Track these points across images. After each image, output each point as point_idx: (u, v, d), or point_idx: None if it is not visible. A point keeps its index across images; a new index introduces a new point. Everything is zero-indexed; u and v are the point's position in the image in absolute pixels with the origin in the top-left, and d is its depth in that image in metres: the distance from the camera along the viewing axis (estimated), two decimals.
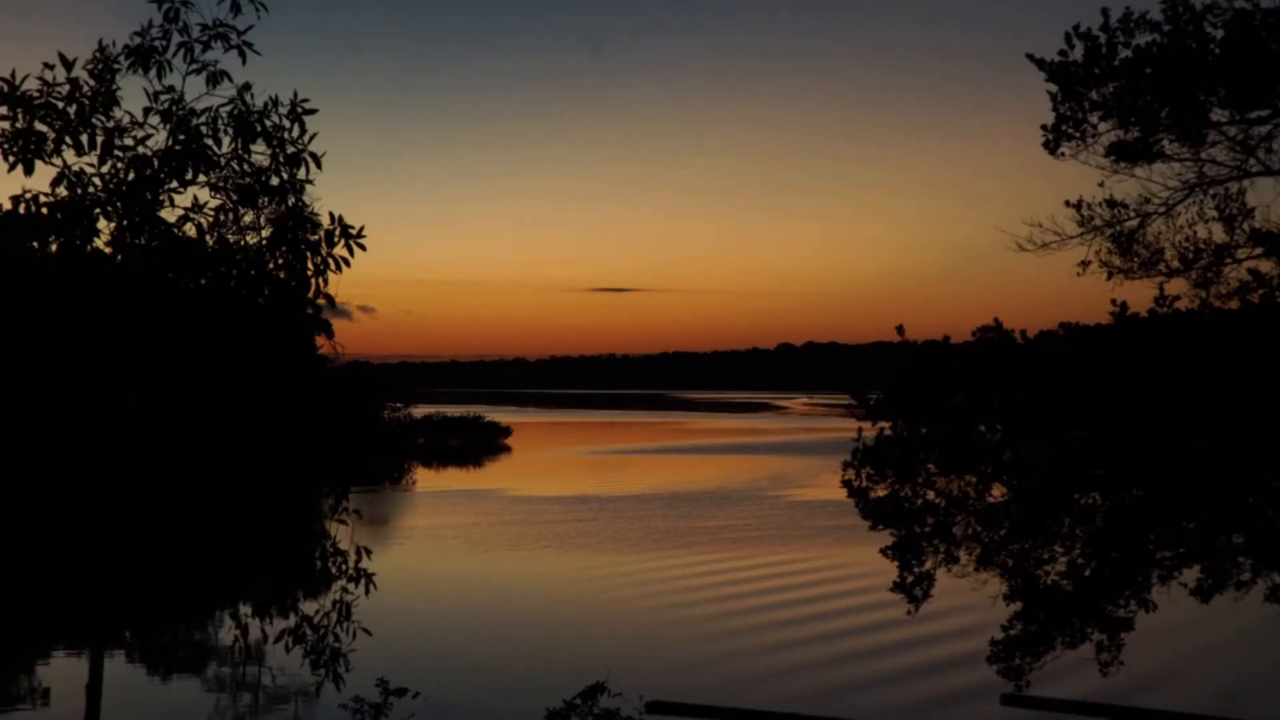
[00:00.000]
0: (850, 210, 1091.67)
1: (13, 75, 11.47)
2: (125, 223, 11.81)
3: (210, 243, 12.03)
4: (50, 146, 11.60)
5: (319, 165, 12.14)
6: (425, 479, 69.24)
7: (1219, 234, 17.78)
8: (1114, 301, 17.14)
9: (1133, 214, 17.99)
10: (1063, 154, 17.82)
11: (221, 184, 12.09)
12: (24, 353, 11.61)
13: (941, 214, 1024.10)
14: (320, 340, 13.04)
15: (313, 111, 12.07)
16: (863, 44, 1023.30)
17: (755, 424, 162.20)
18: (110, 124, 11.80)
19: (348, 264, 12.01)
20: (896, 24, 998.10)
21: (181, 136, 11.89)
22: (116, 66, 11.82)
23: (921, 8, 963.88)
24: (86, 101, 11.67)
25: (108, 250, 11.87)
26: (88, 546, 12.43)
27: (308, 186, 12.12)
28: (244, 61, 12.09)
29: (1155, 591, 16.87)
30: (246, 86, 12.00)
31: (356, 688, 13.43)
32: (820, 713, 19.77)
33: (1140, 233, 18.02)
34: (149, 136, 11.91)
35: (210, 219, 12.09)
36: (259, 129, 11.99)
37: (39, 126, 11.57)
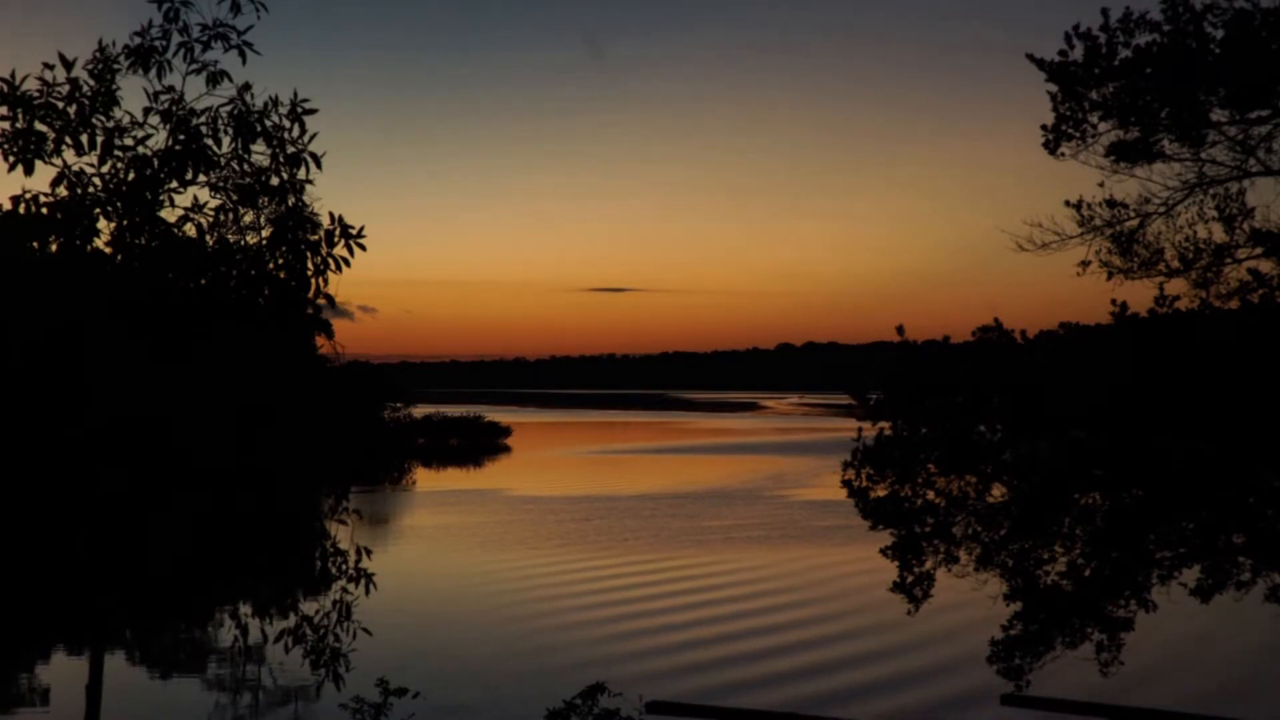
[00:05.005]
0: (850, 210, 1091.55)
1: (13, 75, 11.48)
2: (125, 223, 11.81)
3: (210, 243, 12.02)
4: (50, 146, 11.59)
5: (319, 165, 12.14)
6: (425, 479, 69.24)
7: (1219, 234, 17.82)
8: (1114, 301, 17.17)
9: (1133, 214, 18.02)
10: (1063, 154, 17.84)
11: (221, 184, 12.09)
12: (24, 353, 11.61)
13: (941, 214, 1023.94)
14: (320, 340, 13.05)
15: (313, 111, 12.07)
16: (864, 43, 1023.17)
17: (756, 424, 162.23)
18: (110, 124, 11.79)
19: (348, 264, 12.01)
20: (899, 23, 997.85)
21: (181, 136, 11.88)
22: (116, 66, 11.81)
23: (926, 6, 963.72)
24: (86, 101, 11.67)
25: (108, 250, 11.86)
26: (88, 546, 12.42)
27: (308, 186, 12.12)
28: (244, 61, 12.09)
29: (1155, 591, 16.88)
30: (246, 86, 12.00)
31: (356, 688, 13.44)
32: (820, 713, 19.77)
33: (1140, 233, 18.04)
34: (149, 136, 11.90)
35: (210, 219, 12.08)
36: (259, 129, 11.98)
37: (39, 126, 11.56)
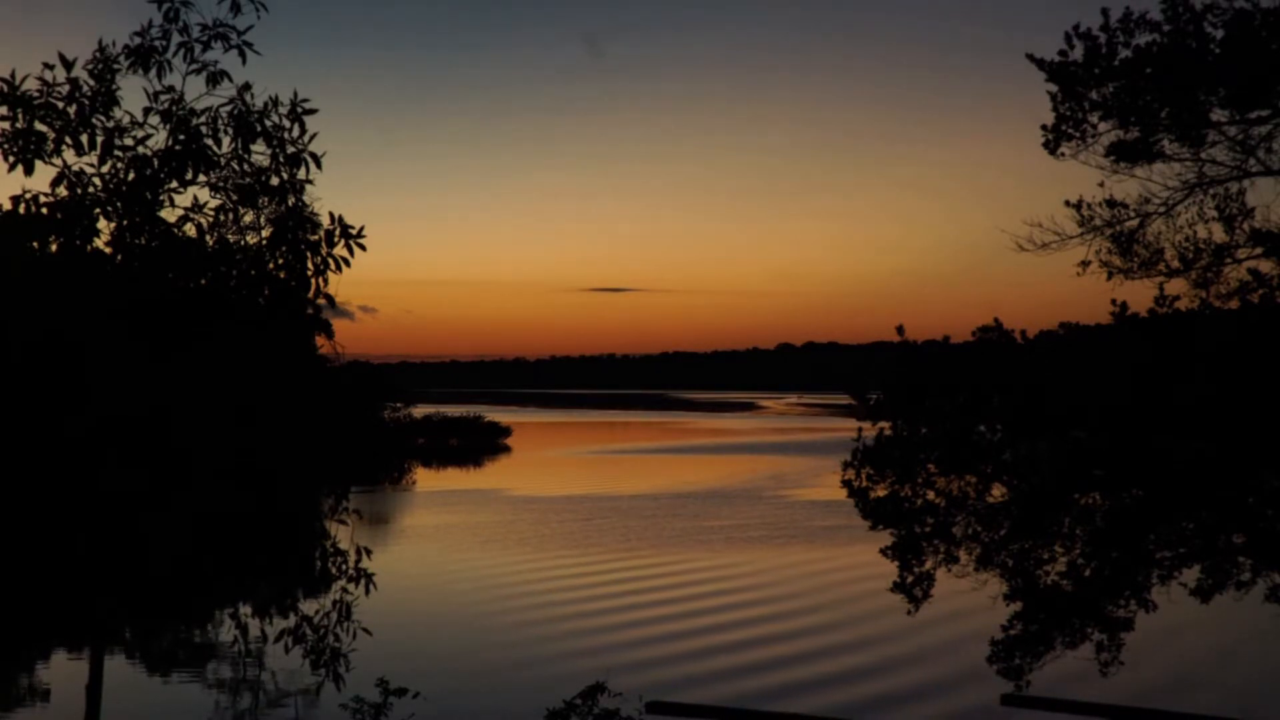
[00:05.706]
0: (850, 210, 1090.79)
1: (13, 75, 11.47)
2: (125, 223, 11.80)
3: (210, 243, 12.02)
4: (50, 146, 11.58)
5: (319, 165, 12.13)
6: (425, 479, 69.23)
7: (1219, 234, 17.79)
8: (1114, 301, 17.14)
9: (1133, 214, 17.99)
10: (1063, 154, 17.81)
11: (221, 184, 12.08)
12: (24, 353, 11.61)
13: (942, 214, 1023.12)
14: (320, 340, 13.04)
15: (313, 111, 12.06)
16: (864, 43, 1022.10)
17: (755, 424, 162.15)
18: (110, 124, 11.78)
19: (348, 264, 12.00)
20: (899, 23, 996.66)
21: (181, 136, 11.87)
22: (116, 66, 11.81)
23: (926, 6, 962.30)
24: (86, 101, 11.66)
25: (108, 250, 11.86)
26: (88, 546, 12.41)
27: (308, 186, 12.12)
28: (244, 61, 12.08)
29: (1155, 591, 16.87)
30: (246, 86, 11.99)
31: (356, 688, 13.44)
32: (821, 712, 19.77)
33: (1140, 233, 18.02)
34: (149, 136, 11.89)
35: (210, 219, 12.07)
36: (259, 129, 11.97)
37: (39, 126, 11.55)
